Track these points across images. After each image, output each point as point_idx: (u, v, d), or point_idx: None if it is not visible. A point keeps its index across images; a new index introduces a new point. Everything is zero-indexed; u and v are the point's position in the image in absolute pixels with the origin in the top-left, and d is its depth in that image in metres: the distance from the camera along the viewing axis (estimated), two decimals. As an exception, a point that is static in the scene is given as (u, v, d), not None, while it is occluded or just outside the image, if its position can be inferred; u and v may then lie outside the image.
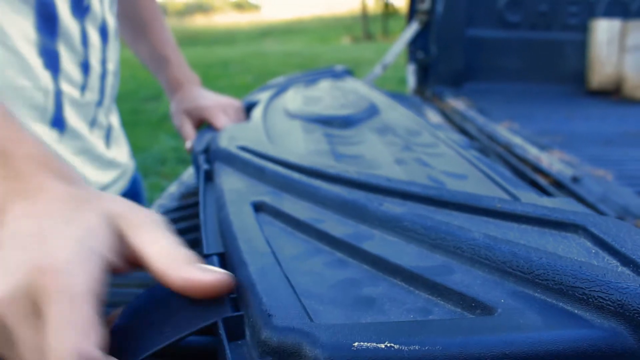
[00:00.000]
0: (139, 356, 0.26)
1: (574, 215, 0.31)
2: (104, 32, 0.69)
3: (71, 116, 0.65)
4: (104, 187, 0.72)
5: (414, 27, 1.54)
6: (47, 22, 0.61)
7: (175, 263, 0.29)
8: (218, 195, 0.44)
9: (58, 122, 0.63)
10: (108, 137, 0.74)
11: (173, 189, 0.88)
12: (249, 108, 0.81)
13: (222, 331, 0.25)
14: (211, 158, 0.55)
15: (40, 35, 0.60)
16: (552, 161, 0.87)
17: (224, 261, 0.33)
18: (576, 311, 0.24)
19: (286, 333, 0.23)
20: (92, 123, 0.70)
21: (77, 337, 0.25)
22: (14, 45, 0.59)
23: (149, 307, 0.31)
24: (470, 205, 0.34)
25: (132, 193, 0.82)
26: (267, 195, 0.41)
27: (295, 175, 0.42)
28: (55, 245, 0.28)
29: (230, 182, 0.46)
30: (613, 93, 1.56)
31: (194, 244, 0.56)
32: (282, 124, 0.67)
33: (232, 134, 0.59)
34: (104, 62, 0.71)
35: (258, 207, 0.39)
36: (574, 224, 0.31)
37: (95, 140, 0.69)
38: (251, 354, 0.23)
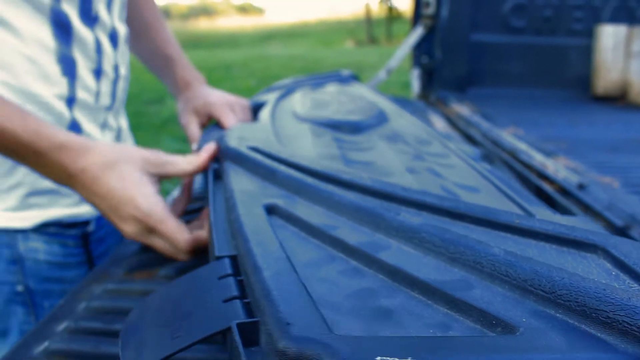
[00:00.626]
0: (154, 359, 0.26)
1: (593, 235, 0.31)
2: (114, 39, 0.70)
3: (84, 121, 0.67)
4: None
5: (418, 32, 1.54)
6: (63, 30, 0.62)
7: (194, 163, 0.58)
8: (228, 196, 0.43)
9: (74, 127, 0.65)
10: (118, 138, 0.75)
11: (177, 193, 0.88)
12: (255, 109, 0.81)
13: (237, 337, 0.24)
14: (220, 157, 0.55)
15: (59, 43, 0.62)
16: (558, 168, 0.87)
17: (236, 264, 0.33)
18: (600, 335, 0.23)
19: (305, 343, 0.22)
20: (103, 126, 0.71)
21: (181, 234, 0.54)
22: (32, 53, 0.60)
23: (162, 307, 0.30)
24: (488, 220, 0.33)
25: None
26: (279, 198, 0.40)
27: (309, 179, 0.42)
28: (140, 202, 0.53)
29: (240, 182, 0.45)
30: (618, 99, 1.55)
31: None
32: (291, 126, 0.67)
33: (241, 133, 0.59)
34: (116, 68, 0.72)
35: (270, 210, 0.39)
36: (594, 244, 0.30)
37: (107, 142, 0.70)
38: None
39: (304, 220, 0.36)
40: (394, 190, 0.37)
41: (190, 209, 0.78)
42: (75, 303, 0.52)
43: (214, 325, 0.26)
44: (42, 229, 0.65)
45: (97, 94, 0.68)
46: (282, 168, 0.45)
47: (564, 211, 0.72)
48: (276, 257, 0.30)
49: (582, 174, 0.86)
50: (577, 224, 0.35)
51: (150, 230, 0.54)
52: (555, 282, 0.25)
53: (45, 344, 0.45)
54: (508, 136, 1.09)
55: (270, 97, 0.83)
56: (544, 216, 0.37)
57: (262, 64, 7.52)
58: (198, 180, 0.86)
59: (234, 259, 0.33)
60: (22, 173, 0.63)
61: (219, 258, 0.33)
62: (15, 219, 0.64)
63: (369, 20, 14.00)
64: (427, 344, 0.22)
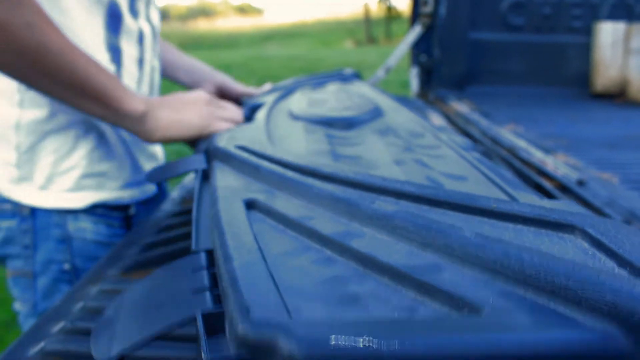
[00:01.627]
0: (120, 350, 0.26)
1: (572, 216, 0.30)
2: (153, 31, 0.77)
3: None
4: None
5: (417, 30, 1.54)
6: (115, 21, 0.69)
7: None
8: (212, 194, 0.44)
9: None
10: None
11: (175, 193, 0.88)
12: (254, 109, 0.81)
13: (200, 325, 0.25)
14: (209, 157, 0.55)
15: (108, 33, 0.68)
16: (557, 164, 0.86)
17: (211, 257, 0.33)
18: (568, 312, 0.23)
19: (262, 327, 0.22)
20: None
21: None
22: (87, 41, 0.66)
23: (136, 300, 0.31)
24: (466, 205, 0.33)
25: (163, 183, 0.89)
26: (260, 194, 0.41)
27: (290, 174, 0.42)
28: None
29: (224, 179, 0.46)
30: (617, 96, 1.54)
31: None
32: (284, 125, 0.67)
33: (232, 134, 0.60)
34: (153, 58, 0.78)
35: (250, 205, 0.39)
36: (571, 224, 0.30)
37: None
38: (229, 349, 0.23)
39: (281, 213, 0.36)
40: (373, 181, 0.37)
41: (186, 209, 0.78)
42: (72, 303, 0.52)
43: (180, 314, 0.26)
44: (91, 210, 0.71)
45: (139, 82, 0.74)
46: (266, 164, 0.45)
47: None
48: (248, 249, 0.30)
49: (582, 171, 0.85)
50: (559, 206, 0.34)
51: (218, 104, 0.69)
52: (525, 263, 0.25)
53: (41, 344, 0.45)
54: (507, 134, 1.08)
55: (269, 98, 0.84)
56: (527, 200, 0.36)
57: (261, 64, 7.52)
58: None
59: (209, 253, 0.33)
60: (78, 156, 0.69)
61: (195, 252, 0.33)
62: (70, 199, 0.69)
63: (368, 20, 13.98)
64: (385, 326, 0.21)
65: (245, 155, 0.49)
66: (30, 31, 0.54)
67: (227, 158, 0.51)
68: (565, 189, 0.81)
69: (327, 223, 0.34)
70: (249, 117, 0.79)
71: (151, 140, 0.64)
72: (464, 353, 0.20)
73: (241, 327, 0.22)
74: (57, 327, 0.48)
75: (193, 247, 0.34)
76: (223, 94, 0.93)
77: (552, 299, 0.23)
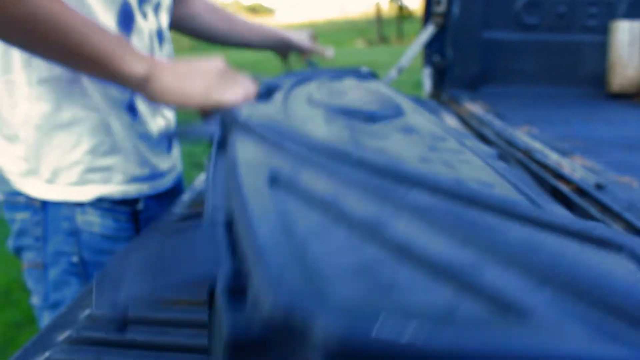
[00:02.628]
0: (128, 296, 0.25)
1: (617, 235, 0.28)
2: (160, 35, 0.80)
3: (140, 102, 0.74)
4: (167, 172, 0.82)
5: (429, 30, 1.52)
6: (127, 20, 0.71)
7: None
8: (230, 165, 0.41)
9: (131, 108, 0.73)
10: (168, 127, 0.82)
11: (185, 195, 0.87)
12: (270, 90, 0.79)
13: (222, 287, 0.23)
14: (227, 130, 0.53)
15: (120, 30, 0.71)
16: (574, 167, 0.84)
17: (230, 231, 0.30)
18: (623, 331, 0.21)
19: (295, 308, 0.20)
20: (155, 112, 0.78)
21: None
22: None
23: (144, 260, 0.29)
24: (506, 209, 0.30)
25: (178, 181, 0.89)
26: (284, 169, 0.38)
27: (316, 153, 0.40)
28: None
29: (246, 152, 0.43)
30: (635, 96, 1.52)
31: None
32: (303, 110, 0.65)
33: (251, 109, 0.58)
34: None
35: (274, 180, 0.36)
36: (619, 243, 0.27)
37: (157, 129, 0.79)
38: (252, 328, 0.21)
39: (308, 191, 0.33)
40: (406, 170, 0.35)
41: (196, 212, 0.77)
42: (78, 311, 0.50)
43: (198, 287, 0.24)
44: (98, 203, 0.72)
45: None
46: (290, 141, 0.43)
47: (582, 212, 0.69)
48: (273, 225, 0.28)
49: (600, 174, 0.84)
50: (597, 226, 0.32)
51: (232, 77, 0.67)
52: (577, 273, 0.23)
53: (46, 354, 0.43)
54: (522, 135, 1.06)
55: (286, 82, 0.82)
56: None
57: (273, 64, 7.49)
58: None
59: (228, 226, 0.31)
60: (82, 151, 0.70)
61: (212, 224, 0.31)
62: (76, 192, 0.71)
63: (379, 20, 13.96)
64: (433, 318, 0.20)
65: (267, 129, 0.47)
66: (16, 1, 0.53)
67: (248, 130, 0.49)
68: (583, 192, 0.79)
69: (357, 205, 0.31)
70: (264, 96, 0.77)
71: (155, 102, 0.64)
72: (517, 357, 0.19)
73: (269, 306, 0.20)
74: (62, 336, 0.46)
75: (210, 219, 0.32)
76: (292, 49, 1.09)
77: (606, 316, 0.21)
